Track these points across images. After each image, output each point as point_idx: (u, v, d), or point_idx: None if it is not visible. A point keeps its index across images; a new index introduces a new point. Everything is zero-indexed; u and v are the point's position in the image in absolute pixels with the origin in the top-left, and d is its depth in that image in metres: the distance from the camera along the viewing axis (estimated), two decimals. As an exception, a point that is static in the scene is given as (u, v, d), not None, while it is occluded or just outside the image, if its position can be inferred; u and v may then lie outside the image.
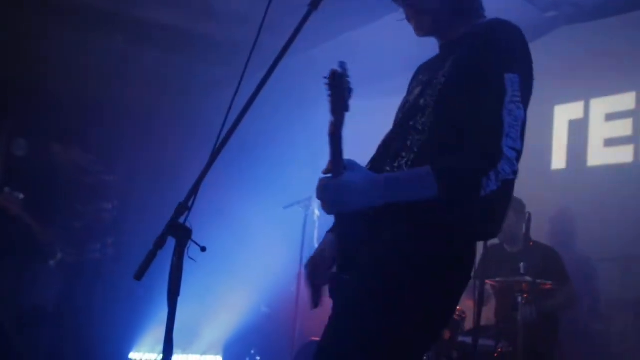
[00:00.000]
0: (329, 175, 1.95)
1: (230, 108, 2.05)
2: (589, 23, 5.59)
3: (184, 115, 7.60)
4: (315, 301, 2.22)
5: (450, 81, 2.05)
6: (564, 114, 5.71)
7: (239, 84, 2.09)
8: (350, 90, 1.92)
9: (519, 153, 1.90)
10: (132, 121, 7.39)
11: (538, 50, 6.05)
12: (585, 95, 5.55)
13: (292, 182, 6.35)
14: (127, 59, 7.04)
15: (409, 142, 2.07)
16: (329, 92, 1.91)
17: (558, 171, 5.68)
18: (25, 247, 6.01)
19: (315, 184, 1.96)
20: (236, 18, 5.94)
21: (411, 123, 2.11)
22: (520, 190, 5.08)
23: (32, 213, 5.84)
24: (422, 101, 2.12)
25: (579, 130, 5.57)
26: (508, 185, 1.90)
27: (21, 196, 5.73)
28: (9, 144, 6.98)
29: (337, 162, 1.94)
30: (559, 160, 5.69)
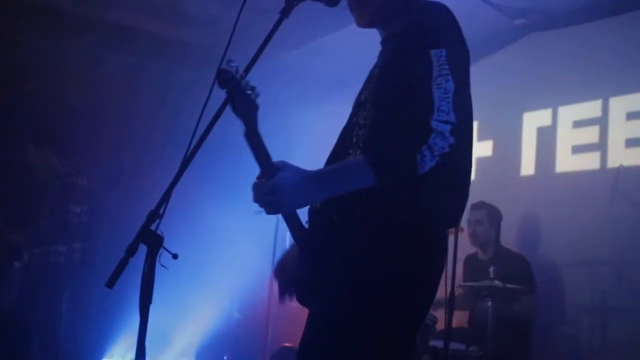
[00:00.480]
0: (260, 176, 1.96)
1: (202, 113, 2.05)
2: (557, 30, 5.66)
3: (160, 120, 7.57)
4: (283, 297, 2.22)
5: (383, 71, 2.09)
6: (533, 121, 5.78)
7: (211, 88, 2.09)
8: (251, 87, 1.87)
9: (454, 125, 1.83)
10: (107, 125, 7.34)
11: (507, 58, 6.16)
12: (554, 102, 5.63)
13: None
14: (101, 63, 7.01)
15: (354, 139, 2.09)
16: (226, 93, 1.86)
17: (527, 177, 5.74)
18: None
19: None
20: (210, 21, 5.94)
21: (354, 120, 2.15)
22: (490, 195, 5.19)
23: (-2, 212, 5.76)
24: (362, 97, 2.16)
25: (547, 137, 5.64)
26: (449, 160, 1.82)
27: None
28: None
29: (265, 164, 1.93)
30: (527, 166, 5.76)
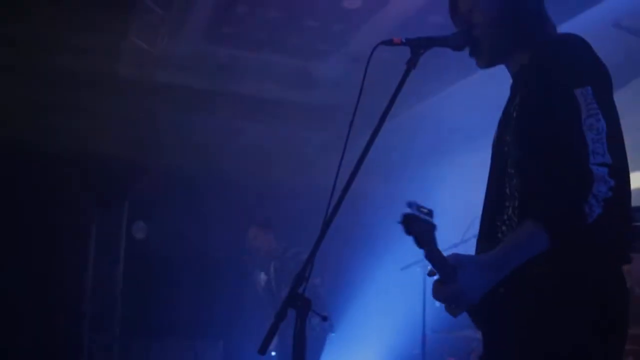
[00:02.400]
0: (439, 279, 1.88)
1: (338, 173, 2.05)
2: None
3: (299, 183, 7.64)
4: None
5: (525, 111, 2.00)
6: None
7: (344, 149, 2.09)
8: (431, 225, 1.82)
9: (610, 167, 1.75)
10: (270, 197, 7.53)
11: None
12: None
13: (407, 241, 6.29)
14: (237, 135, 7.28)
15: (507, 189, 2.02)
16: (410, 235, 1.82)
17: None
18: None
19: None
20: (336, 82, 6.07)
21: (500, 165, 2.07)
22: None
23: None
24: (501, 137, 2.09)
25: None
26: (613, 203, 1.75)
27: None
28: (129, 226, 7.28)
29: (443, 268, 1.86)
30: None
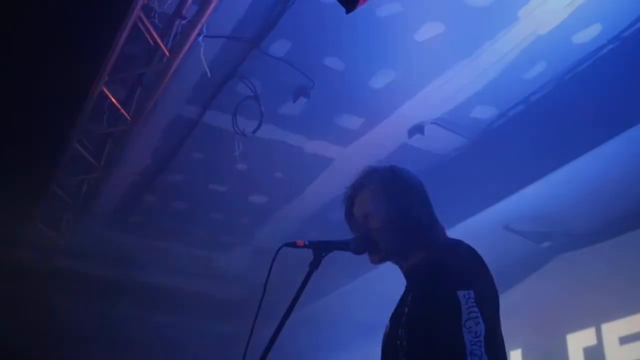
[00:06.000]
0: None
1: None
2: (583, 249, 5.67)
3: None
4: None
5: (413, 313, 2.06)
6: (577, 342, 5.59)
7: (248, 342, 2.09)
8: None
9: None
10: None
11: (539, 282, 6.04)
12: (595, 320, 5.48)
13: None
14: (138, 325, 7.09)
15: None
16: None
17: (583, 400, 5.46)
18: None
19: None
20: (239, 277, 6.09)
21: None
22: None
23: None
24: (397, 336, 2.10)
25: (594, 356, 5.43)
26: None
27: None
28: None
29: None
30: (582, 389, 5.50)
